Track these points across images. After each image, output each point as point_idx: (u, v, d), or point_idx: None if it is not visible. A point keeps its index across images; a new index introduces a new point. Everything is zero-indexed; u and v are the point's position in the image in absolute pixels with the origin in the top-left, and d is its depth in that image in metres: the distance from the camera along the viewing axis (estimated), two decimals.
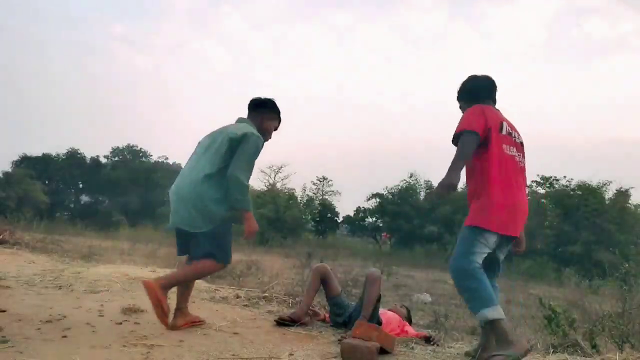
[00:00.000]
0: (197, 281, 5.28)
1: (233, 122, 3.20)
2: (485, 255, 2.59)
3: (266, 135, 3.16)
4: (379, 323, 3.17)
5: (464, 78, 3.00)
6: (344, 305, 3.44)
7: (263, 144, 3.02)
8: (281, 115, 3.26)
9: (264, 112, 3.17)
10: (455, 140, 2.66)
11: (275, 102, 3.24)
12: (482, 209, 2.61)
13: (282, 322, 3.26)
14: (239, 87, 73.24)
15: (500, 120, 2.74)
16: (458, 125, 2.70)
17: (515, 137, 2.79)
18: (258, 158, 2.98)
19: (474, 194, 2.70)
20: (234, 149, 2.89)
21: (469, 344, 3.32)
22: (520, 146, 2.82)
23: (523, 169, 2.79)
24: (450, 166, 2.56)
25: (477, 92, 2.90)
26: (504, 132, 2.71)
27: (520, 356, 2.31)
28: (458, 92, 3.01)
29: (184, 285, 3.06)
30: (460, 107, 3.01)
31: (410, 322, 3.62)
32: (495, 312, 2.40)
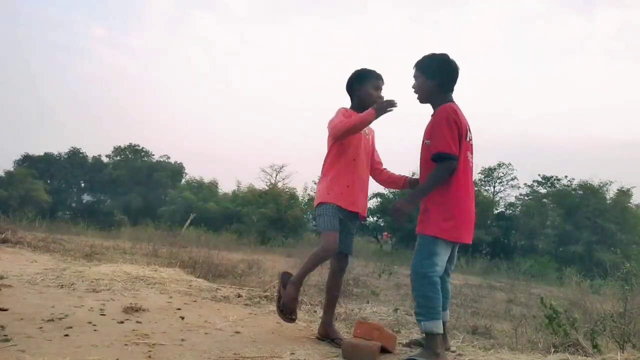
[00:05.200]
0: (199, 280, 5.31)
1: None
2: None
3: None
4: None
5: (436, 52, 2.75)
6: None
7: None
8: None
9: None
10: (435, 159, 2.56)
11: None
12: (445, 219, 2.57)
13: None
14: (238, 86, 73.30)
15: (466, 125, 2.66)
16: (437, 138, 2.55)
17: (471, 138, 2.70)
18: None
19: (434, 200, 2.60)
20: None
21: (470, 343, 3.32)
22: (472, 147, 2.74)
23: (472, 171, 2.76)
24: (417, 193, 2.59)
25: (451, 79, 2.73)
26: (468, 139, 2.65)
27: None
28: (424, 65, 2.74)
29: None
30: (416, 77, 2.77)
31: None
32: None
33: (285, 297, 2.88)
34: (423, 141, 2.72)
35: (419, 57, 2.79)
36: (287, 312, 2.86)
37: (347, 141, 2.94)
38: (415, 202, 2.61)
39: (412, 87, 2.83)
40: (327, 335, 2.99)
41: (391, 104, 2.79)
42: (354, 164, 2.95)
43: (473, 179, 2.81)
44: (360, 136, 2.99)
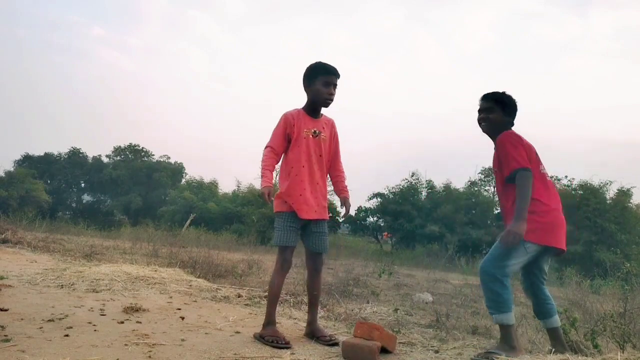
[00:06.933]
0: (199, 280, 5.31)
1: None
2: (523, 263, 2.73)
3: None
4: None
5: (500, 90, 2.97)
6: None
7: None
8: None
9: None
10: (511, 179, 2.73)
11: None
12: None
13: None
14: (238, 86, 73.40)
15: (531, 146, 2.84)
16: (507, 161, 2.74)
17: (536, 160, 2.85)
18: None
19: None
20: None
21: (470, 343, 3.32)
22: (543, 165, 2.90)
23: (548, 182, 2.87)
24: (518, 214, 2.65)
25: (512, 111, 2.94)
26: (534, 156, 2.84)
27: None
28: (493, 98, 2.95)
29: None
30: (481, 106, 2.97)
31: None
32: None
33: (269, 335, 2.78)
34: (494, 171, 2.97)
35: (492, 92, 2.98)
36: (281, 343, 2.71)
37: (293, 149, 2.97)
38: (522, 221, 2.64)
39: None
40: (312, 334, 2.98)
41: (265, 200, 2.94)
42: (303, 170, 2.97)
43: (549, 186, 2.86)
44: (307, 141, 2.94)
